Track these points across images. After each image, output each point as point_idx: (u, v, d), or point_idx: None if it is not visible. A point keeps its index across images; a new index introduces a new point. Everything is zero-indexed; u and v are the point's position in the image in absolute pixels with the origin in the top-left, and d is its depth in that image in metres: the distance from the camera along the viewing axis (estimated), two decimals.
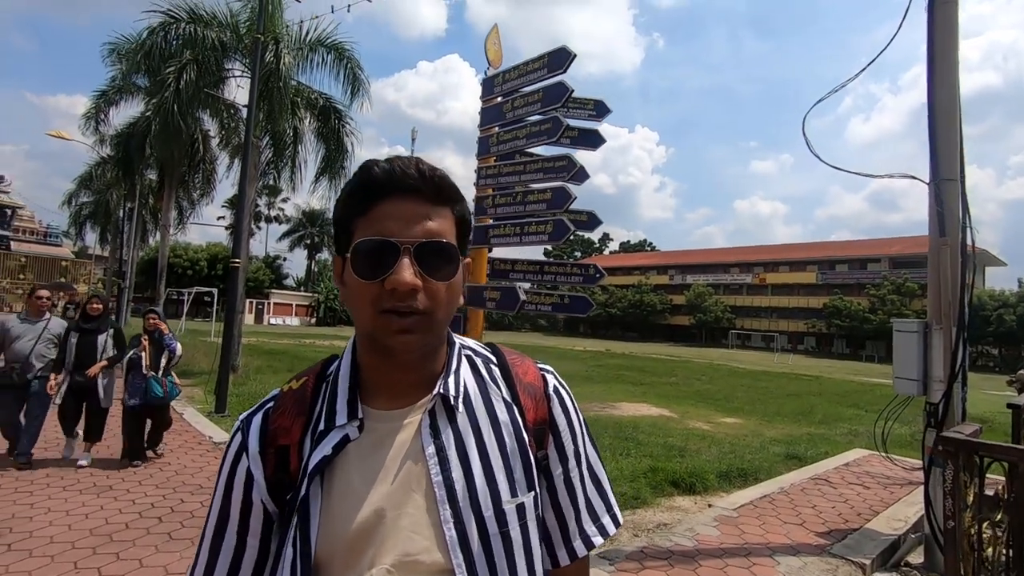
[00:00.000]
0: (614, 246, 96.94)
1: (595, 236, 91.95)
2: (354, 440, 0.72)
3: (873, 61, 4.83)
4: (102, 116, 18.29)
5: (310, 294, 55.73)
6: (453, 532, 0.69)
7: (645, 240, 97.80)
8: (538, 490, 0.79)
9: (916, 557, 4.08)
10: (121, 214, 27.74)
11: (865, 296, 49.96)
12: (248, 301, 43.72)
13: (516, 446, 0.77)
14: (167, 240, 20.14)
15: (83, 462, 5.30)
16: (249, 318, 44.57)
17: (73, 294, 23.61)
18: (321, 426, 0.73)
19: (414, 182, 0.71)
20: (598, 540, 0.85)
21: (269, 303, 51.69)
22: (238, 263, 9.25)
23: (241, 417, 0.80)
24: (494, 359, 0.86)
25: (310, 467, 0.70)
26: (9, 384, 5.11)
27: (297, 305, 54.32)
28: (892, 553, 4.09)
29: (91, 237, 36.10)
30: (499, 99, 3.68)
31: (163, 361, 5.52)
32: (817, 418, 11.12)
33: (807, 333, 55.79)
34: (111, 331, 5.54)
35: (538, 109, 3.32)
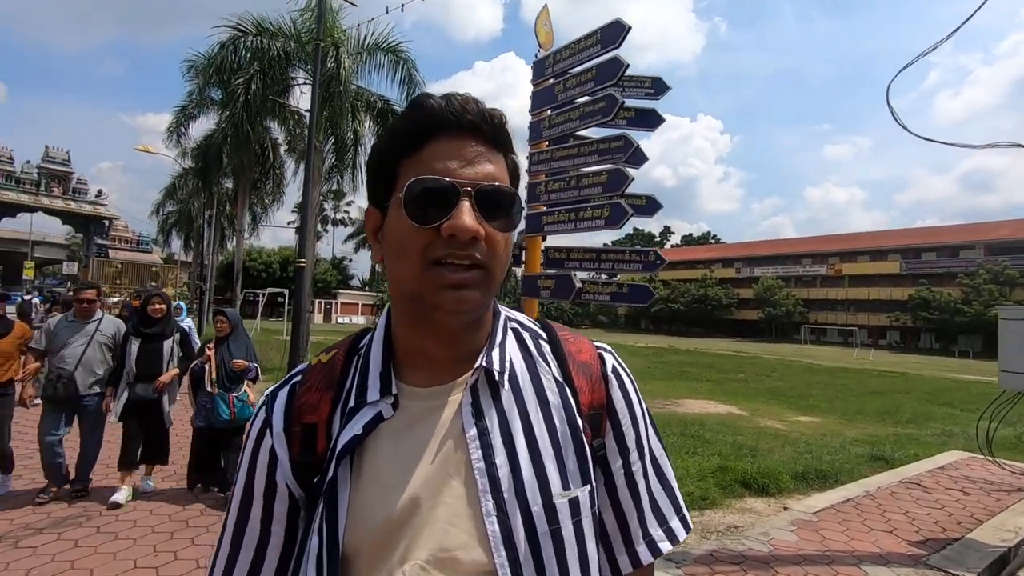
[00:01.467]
0: (675, 239, 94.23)
1: (656, 229, 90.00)
2: (387, 419, 0.64)
3: (968, 20, 4.34)
4: (183, 130, 19.58)
5: (374, 293, 57.54)
6: (496, 526, 0.60)
7: (708, 233, 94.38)
8: (594, 484, 0.68)
9: None
10: (201, 221, 29.74)
11: (957, 286, 45.89)
12: (317, 301, 45.78)
13: (568, 432, 0.67)
14: (242, 244, 21.36)
15: (149, 485, 4.59)
16: (318, 317, 46.64)
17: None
18: (351, 403, 0.66)
19: (474, 118, 0.62)
20: (666, 546, 0.73)
21: (336, 303, 53.83)
22: (304, 263, 9.58)
23: (266, 392, 0.73)
24: (544, 335, 0.75)
25: (338, 447, 0.63)
26: (52, 396, 4.28)
27: (363, 304, 56.26)
28: (1001, 567, 3.65)
29: (176, 244, 38.99)
30: (551, 81, 3.55)
31: (243, 380, 4.59)
32: (904, 417, 10.26)
33: (890, 327, 51.96)
34: (177, 335, 4.70)
35: (591, 88, 3.16)
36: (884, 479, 5.47)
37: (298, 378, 0.72)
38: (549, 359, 0.72)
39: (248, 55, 13.08)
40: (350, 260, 65.36)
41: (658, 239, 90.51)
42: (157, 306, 4.59)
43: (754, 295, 58.46)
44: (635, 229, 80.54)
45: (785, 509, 4.56)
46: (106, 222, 44.10)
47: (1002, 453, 6.48)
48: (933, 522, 4.29)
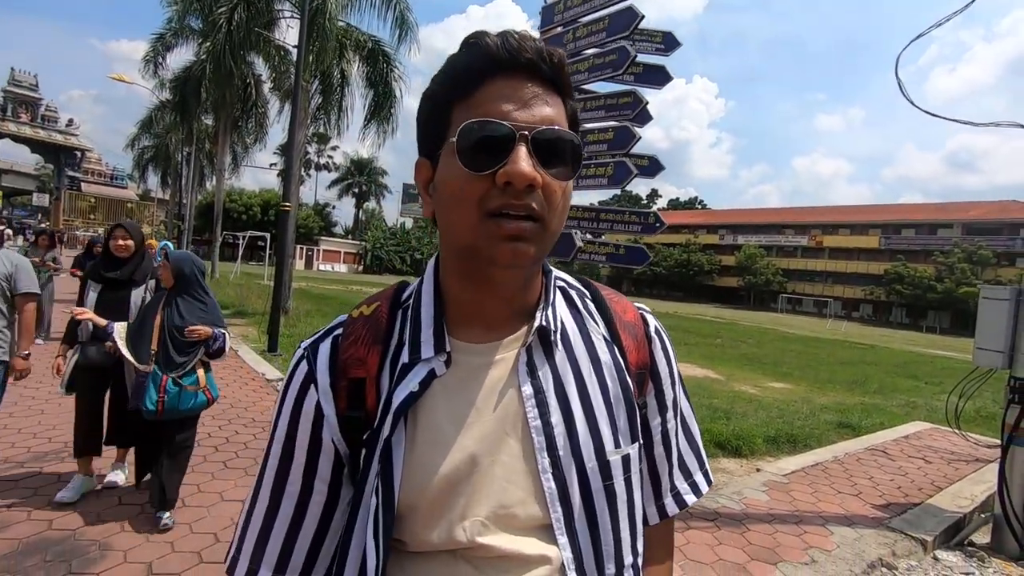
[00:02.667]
0: (662, 203, 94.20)
1: (643, 192, 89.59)
2: (440, 376, 0.62)
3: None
4: (160, 60, 18.65)
5: (357, 242, 56.91)
6: (552, 483, 0.61)
7: (696, 198, 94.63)
8: (641, 441, 0.69)
9: (981, 537, 3.85)
10: (180, 158, 28.69)
11: (932, 263, 47.00)
12: (298, 247, 45.17)
13: (619, 391, 0.67)
14: (222, 184, 20.72)
15: (113, 478, 3.44)
16: (299, 264, 46.12)
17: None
18: (404, 358, 0.63)
19: (532, 56, 0.57)
20: (691, 499, 0.76)
21: (318, 250, 53.16)
22: (288, 207, 9.37)
23: (304, 344, 0.69)
24: (588, 293, 0.75)
25: (393, 405, 0.61)
26: None
27: (345, 252, 55.70)
28: (956, 532, 3.86)
29: (153, 180, 37.66)
30: (559, 29, 3.39)
31: (195, 355, 3.15)
32: (872, 388, 10.63)
33: (864, 300, 53.30)
34: (151, 282, 3.45)
35: (602, 39, 3.03)
36: (852, 445, 5.70)
37: (340, 331, 0.68)
38: (596, 317, 0.72)
39: None
40: (333, 207, 64.25)
41: (645, 202, 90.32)
42: (121, 241, 3.36)
43: (736, 263, 59.19)
44: (623, 191, 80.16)
45: (757, 470, 4.74)
46: (78, 153, 42.25)
47: (963, 425, 6.78)
48: (896, 488, 4.50)
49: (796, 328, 29.06)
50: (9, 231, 17.79)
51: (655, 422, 0.73)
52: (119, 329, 3.10)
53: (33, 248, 7.99)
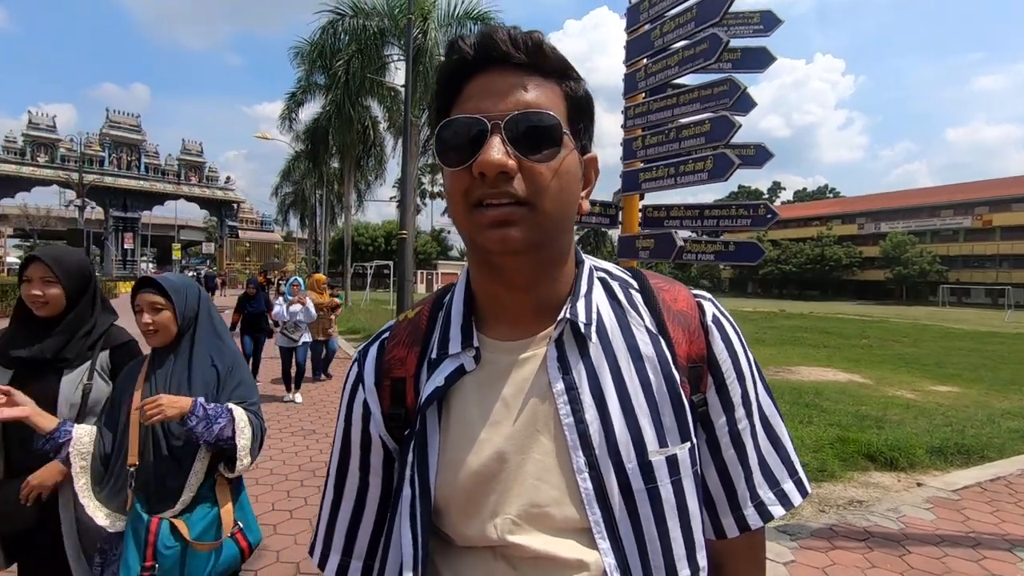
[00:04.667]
0: (787, 195, 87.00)
1: (764, 185, 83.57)
2: (470, 372, 0.63)
3: None
4: (293, 115, 21.01)
5: None
6: (588, 484, 0.59)
7: (826, 186, 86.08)
8: (695, 441, 0.63)
9: None
10: (313, 200, 32.05)
11: None
12: (418, 272, 48.00)
13: (664, 386, 0.62)
14: (350, 220, 22.72)
15: None
16: (421, 287, 48.92)
17: (284, 271, 27.82)
18: (433, 355, 0.66)
19: (505, 47, 0.57)
20: (777, 510, 0.67)
21: (437, 273, 55.94)
22: (405, 234, 10.04)
23: (360, 349, 0.76)
24: (635, 283, 0.70)
25: (422, 399, 0.63)
26: None
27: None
28: None
29: (293, 222, 42.50)
30: (646, 27, 3.29)
31: (189, 467, 1.51)
32: None
33: None
34: (101, 355, 1.71)
35: (691, 30, 2.88)
36: None
37: (387, 334, 0.73)
38: (641, 309, 0.68)
39: (346, 37, 13.69)
40: (448, 232, 67.55)
41: (766, 196, 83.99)
42: (35, 290, 1.64)
43: (881, 253, 52.67)
44: (740, 186, 75.36)
45: (919, 485, 4.14)
46: (235, 205, 49.08)
47: None
48: None
49: (963, 323, 25.11)
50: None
51: (720, 421, 0.66)
52: (80, 437, 1.54)
53: None
